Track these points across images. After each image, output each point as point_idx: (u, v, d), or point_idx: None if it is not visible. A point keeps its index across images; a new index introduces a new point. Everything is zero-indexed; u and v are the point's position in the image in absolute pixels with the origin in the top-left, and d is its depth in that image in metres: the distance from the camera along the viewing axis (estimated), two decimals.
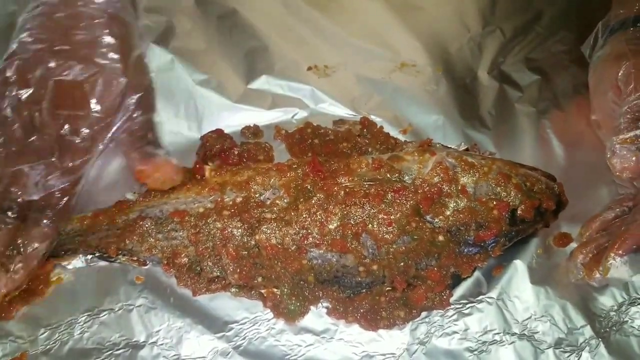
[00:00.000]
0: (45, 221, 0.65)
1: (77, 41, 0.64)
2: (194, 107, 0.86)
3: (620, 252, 0.70)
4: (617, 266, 0.70)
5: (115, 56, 0.64)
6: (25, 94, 0.62)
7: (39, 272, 0.70)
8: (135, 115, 0.66)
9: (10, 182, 0.63)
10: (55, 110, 0.63)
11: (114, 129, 0.65)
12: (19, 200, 0.63)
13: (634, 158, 0.71)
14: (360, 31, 0.93)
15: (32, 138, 0.62)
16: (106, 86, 0.63)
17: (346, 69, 0.90)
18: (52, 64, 0.63)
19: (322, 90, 0.88)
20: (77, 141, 0.63)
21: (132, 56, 0.66)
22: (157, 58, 0.88)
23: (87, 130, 0.63)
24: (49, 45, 0.64)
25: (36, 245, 0.65)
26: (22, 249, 0.64)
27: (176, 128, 0.84)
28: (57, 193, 0.64)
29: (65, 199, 0.65)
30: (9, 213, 0.64)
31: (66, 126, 0.63)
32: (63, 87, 0.63)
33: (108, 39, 0.64)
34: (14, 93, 0.63)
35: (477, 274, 0.73)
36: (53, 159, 0.62)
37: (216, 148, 0.80)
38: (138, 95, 0.66)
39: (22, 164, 0.62)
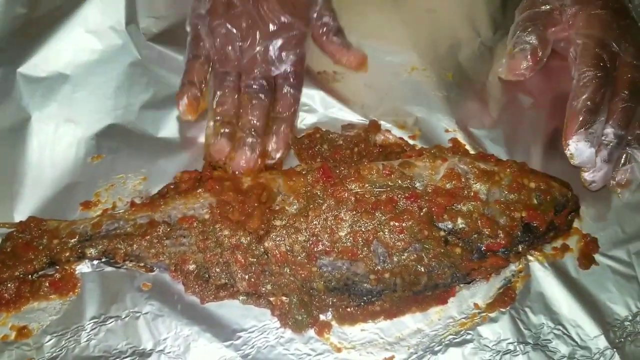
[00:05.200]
0: (288, 88, 0.80)
1: None
2: (204, 112, 0.85)
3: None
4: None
5: None
6: None
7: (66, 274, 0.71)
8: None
9: (261, 59, 0.79)
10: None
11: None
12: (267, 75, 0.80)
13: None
14: (370, 36, 0.92)
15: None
16: None
17: (355, 74, 0.89)
18: None
19: (332, 95, 0.87)
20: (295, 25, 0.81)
21: None
22: (166, 62, 0.88)
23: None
24: None
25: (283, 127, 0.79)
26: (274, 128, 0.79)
27: (185, 134, 0.83)
28: (291, 66, 0.81)
29: (299, 69, 0.82)
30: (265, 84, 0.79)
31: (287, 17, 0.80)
32: None
33: None
34: None
35: (489, 282, 0.72)
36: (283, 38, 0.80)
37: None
38: None
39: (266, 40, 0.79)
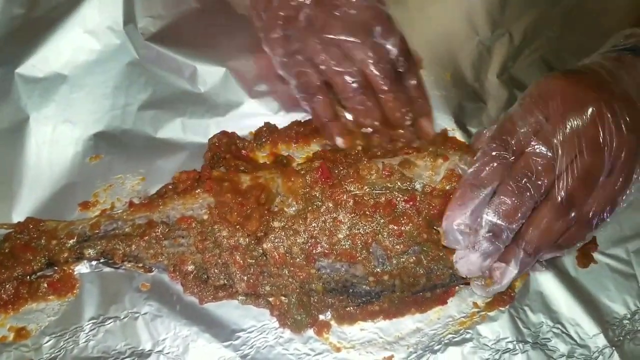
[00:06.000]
0: (408, 72, 0.78)
1: None
2: (201, 111, 0.85)
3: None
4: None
5: None
6: None
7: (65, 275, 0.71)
8: None
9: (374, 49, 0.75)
10: None
11: None
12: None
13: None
14: None
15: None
16: None
17: None
18: None
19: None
20: None
21: None
22: (164, 62, 0.88)
23: None
24: None
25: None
26: None
27: (182, 132, 0.83)
28: (399, 50, 0.77)
29: (405, 46, 0.78)
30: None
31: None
32: None
33: None
34: None
35: None
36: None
37: (224, 143, 0.79)
38: None
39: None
